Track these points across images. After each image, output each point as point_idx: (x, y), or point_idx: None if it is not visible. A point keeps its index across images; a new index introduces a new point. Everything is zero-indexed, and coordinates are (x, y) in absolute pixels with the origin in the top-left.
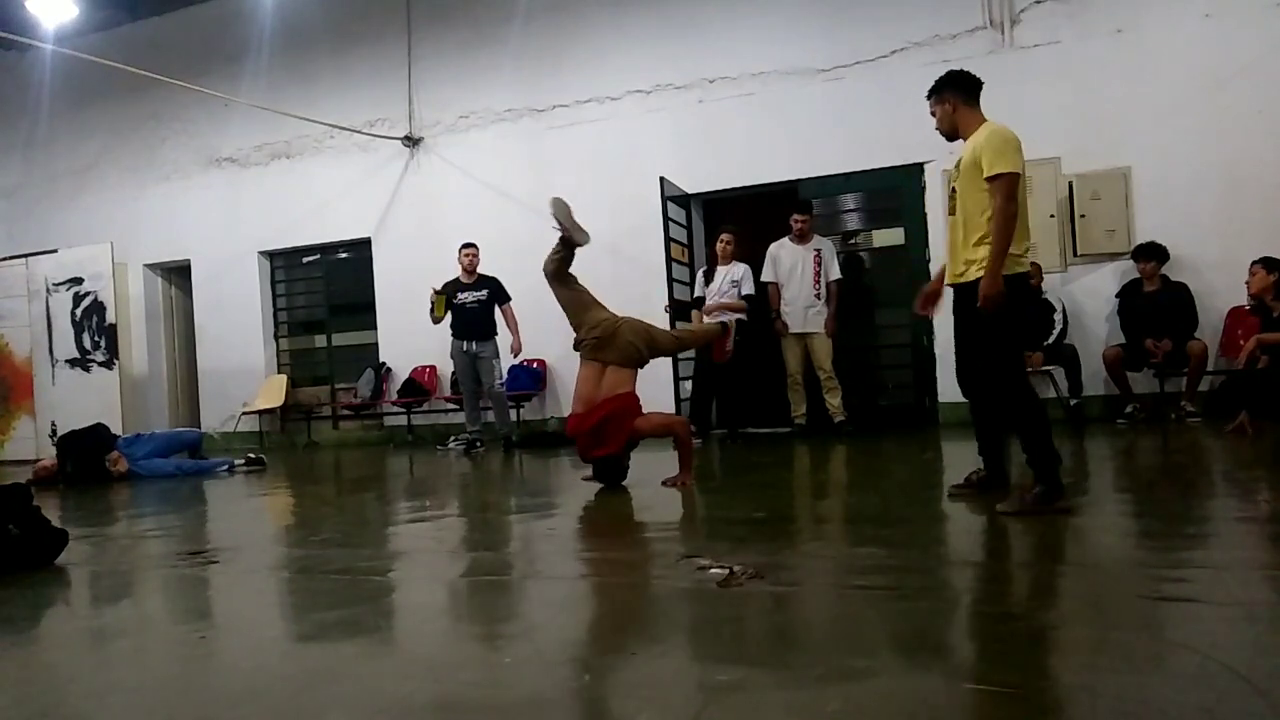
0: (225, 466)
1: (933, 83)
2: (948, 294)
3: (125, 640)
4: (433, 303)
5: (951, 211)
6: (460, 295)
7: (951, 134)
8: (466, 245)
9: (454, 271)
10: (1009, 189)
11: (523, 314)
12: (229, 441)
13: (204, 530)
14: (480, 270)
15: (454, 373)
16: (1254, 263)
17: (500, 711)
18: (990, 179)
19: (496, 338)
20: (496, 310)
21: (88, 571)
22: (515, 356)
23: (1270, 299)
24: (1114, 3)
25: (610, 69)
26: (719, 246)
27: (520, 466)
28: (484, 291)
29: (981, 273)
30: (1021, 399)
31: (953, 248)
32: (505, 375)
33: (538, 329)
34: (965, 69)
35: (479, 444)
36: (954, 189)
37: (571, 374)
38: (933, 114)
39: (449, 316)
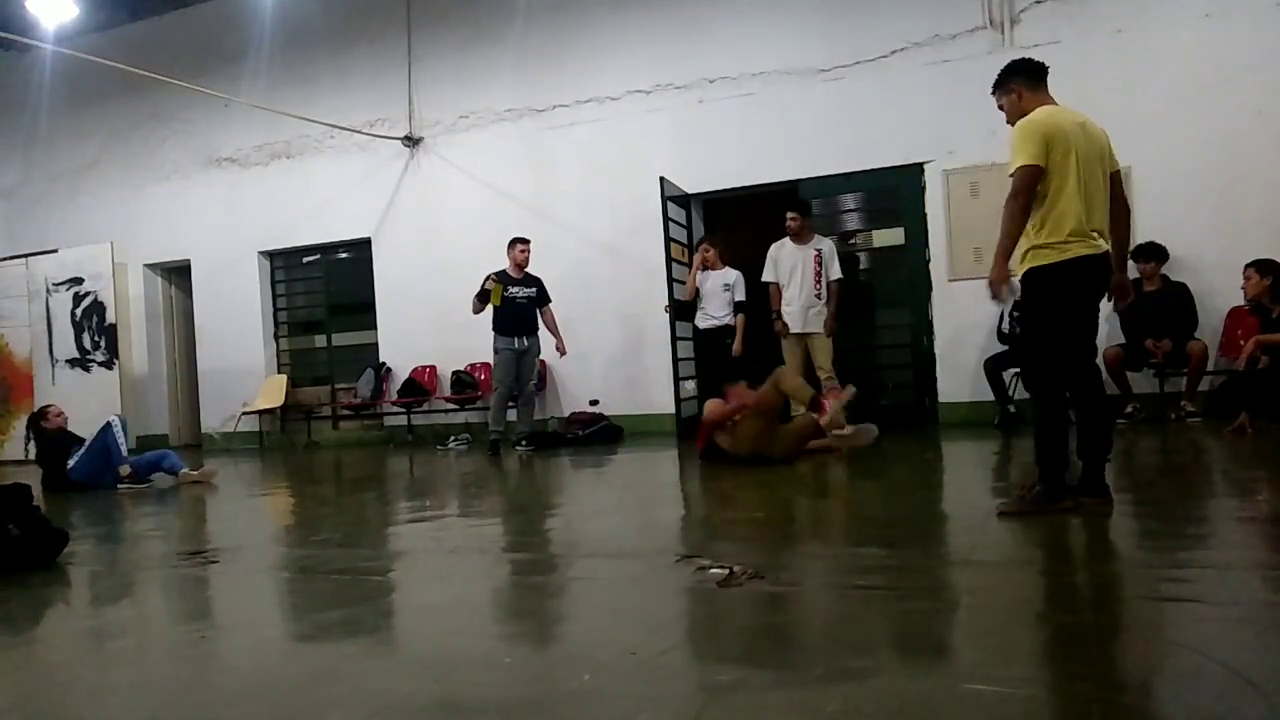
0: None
1: (997, 76)
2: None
3: (125, 640)
4: (489, 290)
5: None
6: (511, 289)
7: None
8: (523, 240)
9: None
10: (1016, 183)
11: None
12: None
13: (204, 530)
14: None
15: (455, 372)
16: (1247, 266)
17: (500, 711)
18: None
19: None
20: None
21: (88, 571)
22: (561, 357)
23: (1268, 301)
24: (1114, 3)
25: (610, 69)
26: (699, 256)
27: (524, 466)
28: (533, 289)
29: (1034, 265)
30: (1044, 395)
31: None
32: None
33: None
34: (1027, 57)
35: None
36: None
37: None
38: (1000, 108)
39: (488, 310)
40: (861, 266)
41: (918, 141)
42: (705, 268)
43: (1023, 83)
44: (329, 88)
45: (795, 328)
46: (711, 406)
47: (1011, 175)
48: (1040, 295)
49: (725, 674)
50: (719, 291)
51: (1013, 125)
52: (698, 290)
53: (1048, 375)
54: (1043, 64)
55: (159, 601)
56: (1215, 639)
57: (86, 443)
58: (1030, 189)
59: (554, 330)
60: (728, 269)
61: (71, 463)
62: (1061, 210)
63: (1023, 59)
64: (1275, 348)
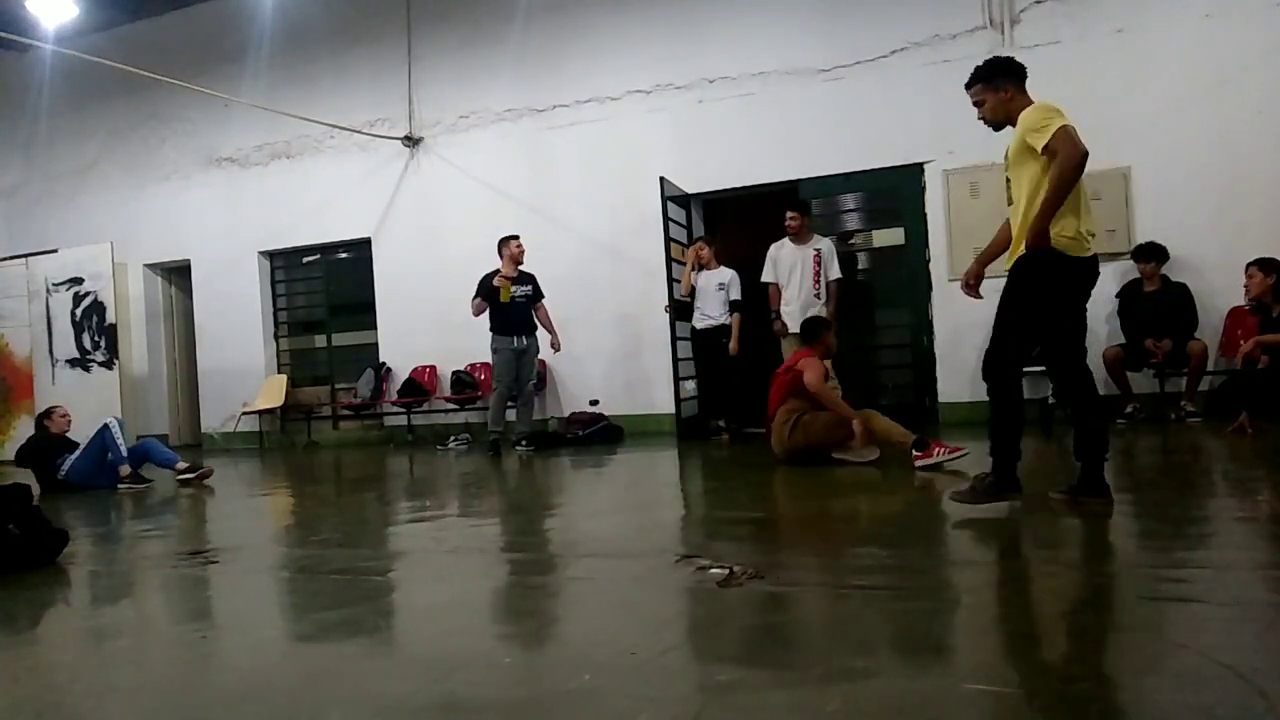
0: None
1: (980, 69)
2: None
3: (125, 640)
4: (498, 287)
5: (1009, 201)
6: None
7: (1002, 123)
8: (515, 237)
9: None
10: (1070, 139)
11: None
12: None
13: (204, 530)
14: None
15: (455, 372)
16: (1249, 264)
17: (500, 711)
18: (1046, 148)
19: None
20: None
21: (88, 571)
22: (556, 352)
23: (1269, 300)
24: (1114, 3)
25: (610, 69)
26: (692, 253)
27: (524, 466)
28: (529, 286)
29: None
30: (1004, 385)
31: (1014, 237)
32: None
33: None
34: (1011, 56)
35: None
36: (1008, 179)
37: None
38: (977, 104)
39: (487, 311)
40: (861, 266)
41: (918, 141)
42: (700, 267)
43: (1013, 83)
44: (329, 88)
45: (794, 328)
46: (818, 370)
47: (1046, 147)
48: (1035, 283)
49: (725, 674)
50: (714, 291)
51: (992, 124)
52: (694, 290)
53: (1013, 365)
54: (1024, 65)
55: (159, 601)
56: (1215, 639)
57: (83, 445)
58: (1081, 145)
59: (548, 326)
60: (722, 268)
61: (65, 468)
62: (1068, 206)
63: (1007, 59)
64: (1275, 347)
